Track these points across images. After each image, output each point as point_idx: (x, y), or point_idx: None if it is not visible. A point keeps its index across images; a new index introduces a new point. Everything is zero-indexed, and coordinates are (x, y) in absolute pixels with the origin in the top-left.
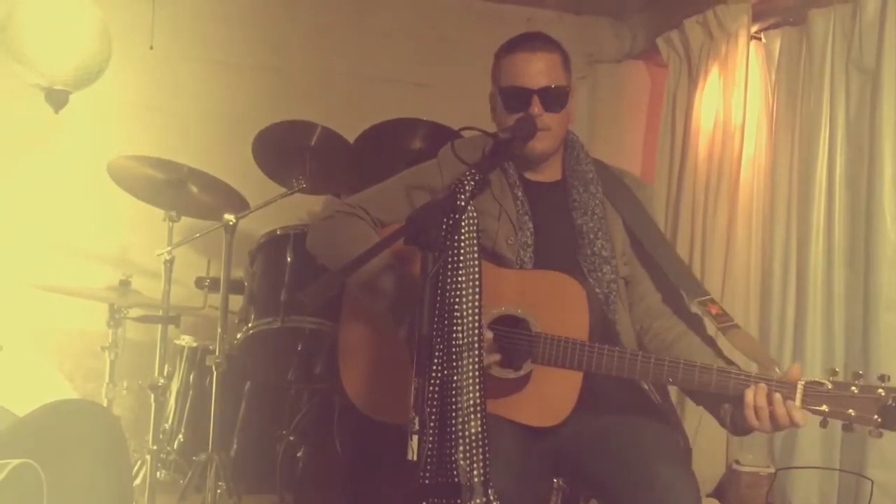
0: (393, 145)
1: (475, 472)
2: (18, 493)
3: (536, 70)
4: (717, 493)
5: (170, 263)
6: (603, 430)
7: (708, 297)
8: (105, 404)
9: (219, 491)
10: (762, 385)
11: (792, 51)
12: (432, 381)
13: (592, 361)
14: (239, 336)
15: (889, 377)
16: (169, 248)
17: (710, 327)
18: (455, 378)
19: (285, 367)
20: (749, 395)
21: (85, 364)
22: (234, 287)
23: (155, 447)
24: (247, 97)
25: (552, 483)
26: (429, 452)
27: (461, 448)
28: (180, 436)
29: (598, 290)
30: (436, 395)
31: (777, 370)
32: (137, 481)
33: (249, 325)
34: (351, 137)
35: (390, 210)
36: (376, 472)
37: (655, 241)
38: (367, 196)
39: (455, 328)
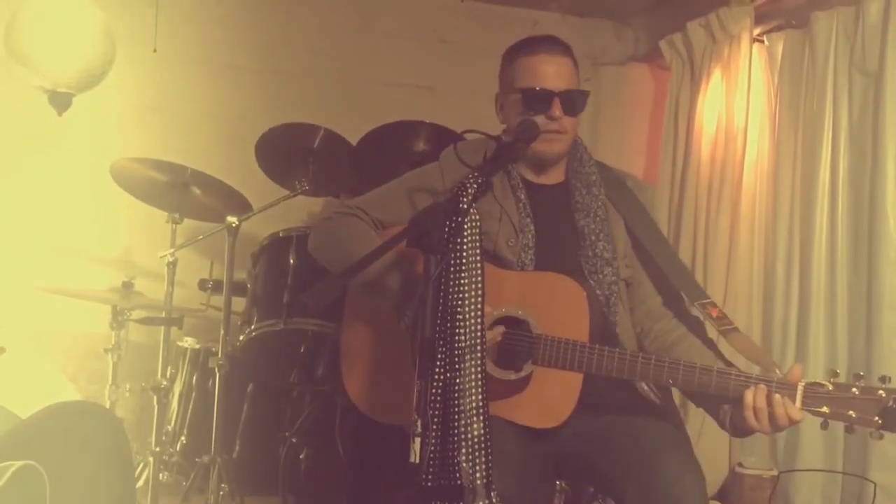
0: (395, 148)
1: (478, 475)
2: (22, 494)
3: (557, 73)
4: (721, 495)
5: (173, 265)
6: (605, 431)
7: (708, 300)
8: (108, 406)
9: (221, 493)
10: (762, 386)
11: (795, 53)
12: (435, 384)
13: (593, 363)
14: (242, 338)
15: (890, 378)
16: (172, 250)
17: (711, 330)
18: (457, 380)
19: (288, 368)
20: (749, 396)
21: (88, 366)
22: (237, 289)
23: (158, 449)
24: (250, 99)
25: (555, 485)
26: (431, 455)
27: (464, 450)
28: (183, 438)
29: (598, 291)
30: (438, 398)
31: (778, 372)
32: (140, 483)
33: (252, 326)
34: (354, 140)
35: (391, 212)
36: (379, 474)
37: (657, 244)
38: (367, 198)
39: (458, 330)
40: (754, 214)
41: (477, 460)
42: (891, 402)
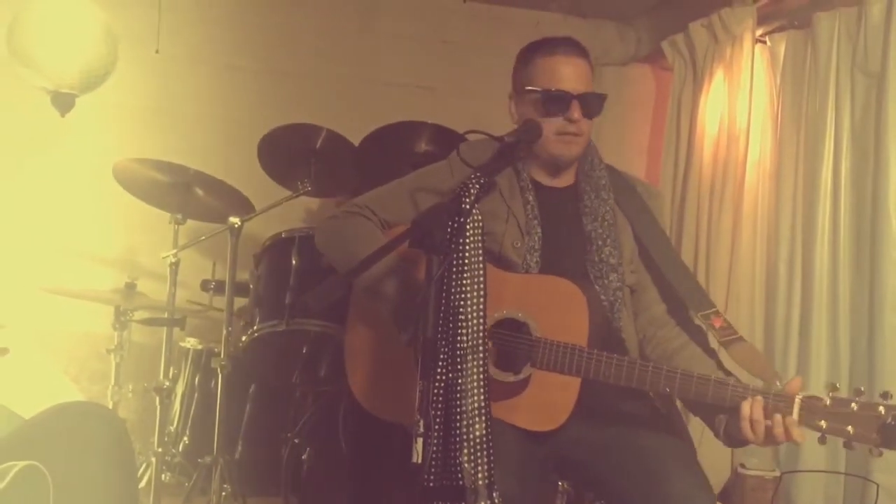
0: (398, 148)
1: (479, 476)
2: (25, 494)
3: (577, 75)
4: (723, 496)
5: (175, 266)
6: (610, 439)
7: (712, 310)
8: (110, 406)
9: (224, 493)
10: (759, 398)
11: (797, 54)
12: (437, 384)
13: (591, 368)
14: (244, 339)
15: (892, 395)
16: (174, 251)
17: (713, 340)
18: (459, 381)
19: (290, 369)
20: (745, 407)
21: (90, 366)
22: (240, 289)
23: (160, 449)
24: (252, 100)
25: (557, 486)
26: (433, 455)
27: (466, 451)
28: (185, 438)
29: (603, 297)
30: (440, 398)
31: (778, 384)
32: (142, 483)
33: (254, 327)
34: (356, 140)
35: (398, 211)
36: (381, 474)
37: (663, 251)
38: (374, 196)
39: (460, 331)
40: (756, 215)
41: (479, 461)
42: (889, 419)
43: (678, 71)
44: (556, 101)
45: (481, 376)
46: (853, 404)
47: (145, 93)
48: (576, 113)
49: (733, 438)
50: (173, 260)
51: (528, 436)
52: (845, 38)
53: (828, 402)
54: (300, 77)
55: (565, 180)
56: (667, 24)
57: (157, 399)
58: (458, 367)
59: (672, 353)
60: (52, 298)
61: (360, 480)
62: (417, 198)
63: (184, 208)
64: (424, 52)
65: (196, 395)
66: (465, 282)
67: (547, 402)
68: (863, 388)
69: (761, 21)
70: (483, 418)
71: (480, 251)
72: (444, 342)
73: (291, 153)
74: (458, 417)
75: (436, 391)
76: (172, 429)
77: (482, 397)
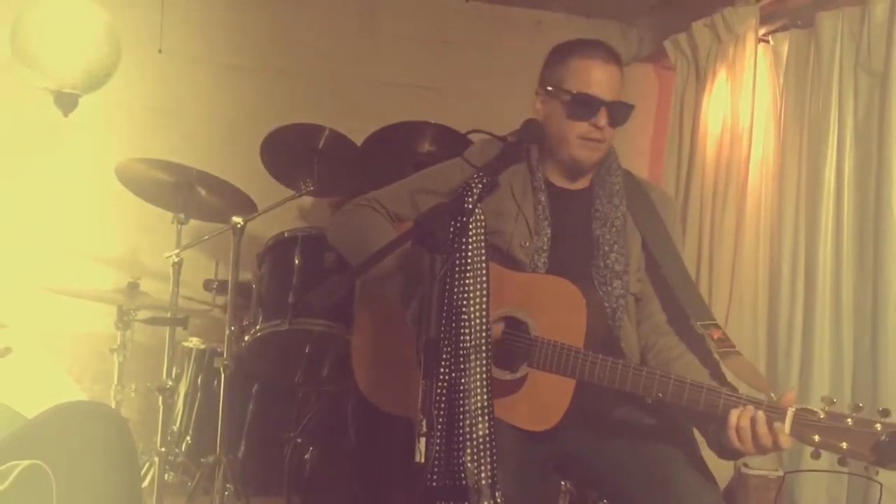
0: (400, 148)
1: (483, 475)
2: (28, 494)
3: (609, 82)
4: (726, 496)
5: (178, 266)
6: (613, 437)
7: (713, 321)
8: (113, 406)
9: (226, 493)
10: (749, 407)
11: (800, 53)
12: (440, 384)
13: (585, 370)
14: (247, 338)
15: (890, 412)
16: (177, 251)
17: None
18: (462, 380)
19: (293, 369)
20: (733, 416)
21: (93, 366)
22: (242, 289)
23: (163, 449)
24: (255, 100)
25: (560, 485)
26: (436, 455)
27: (469, 450)
28: (188, 438)
29: (605, 304)
30: (443, 398)
31: (773, 396)
32: (145, 483)
33: (257, 327)
34: (359, 140)
35: (410, 207)
36: (384, 474)
37: (670, 260)
38: (385, 191)
39: (463, 330)
40: (759, 214)
41: (482, 460)
42: (885, 437)
43: (681, 70)
44: (585, 106)
45: (484, 376)
46: (849, 419)
47: (148, 92)
48: (602, 120)
49: (726, 449)
50: (176, 259)
51: (528, 436)
52: (848, 38)
53: (822, 416)
54: (303, 77)
55: (581, 183)
56: (669, 23)
57: (160, 399)
58: (462, 366)
59: (671, 360)
60: (54, 298)
61: (368, 477)
62: (427, 196)
63: (186, 208)
64: (426, 52)
65: (199, 394)
66: (467, 281)
67: (541, 401)
68: (861, 405)
69: (764, 20)
70: (486, 418)
71: (483, 251)
72: (447, 341)
73: (294, 153)
74: (461, 417)
75: (439, 390)
76: (175, 428)
77: (485, 397)
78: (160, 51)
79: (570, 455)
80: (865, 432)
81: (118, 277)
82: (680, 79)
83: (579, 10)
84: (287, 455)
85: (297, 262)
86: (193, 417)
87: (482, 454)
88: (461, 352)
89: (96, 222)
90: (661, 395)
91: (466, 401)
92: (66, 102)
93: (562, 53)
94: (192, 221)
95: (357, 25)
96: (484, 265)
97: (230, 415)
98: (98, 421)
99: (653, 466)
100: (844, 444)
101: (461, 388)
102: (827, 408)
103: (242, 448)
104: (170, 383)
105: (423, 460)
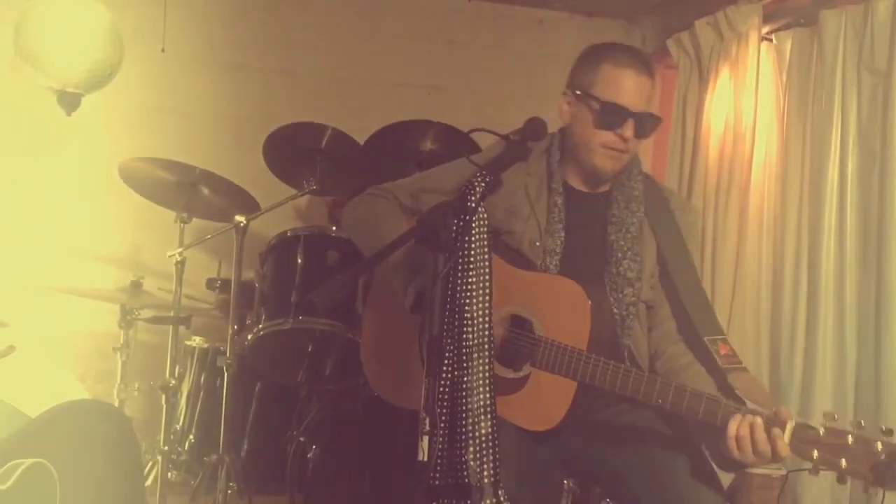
0: (403, 147)
1: (485, 473)
2: (32, 491)
3: (640, 93)
4: (729, 495)
5: (181, 265)
6: (617, 436)
7: (721, 336)
8: (116, 405)
9: (229, 491)
10: (748, 416)
11: (803, 52)
12: (443, 382)
13: (587, 372)
14: (250, 337)
15: (893, 431)
16: (180, 250)
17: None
18: (465, 379)
19: (296, 368)
20: (732, 426)
21: (96, 365)
22: (245, 288)
23: (166, 448)
24: (258, 99)
25: (562, 485)
26: (439, 453)
27: (471, 449)
28: (191, 436)
29: (615, 310)
30: (446, 396)
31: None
32: (148, 482)
33: (260, 326)
34: (361, 139)
35: (418, 204)
36: (387, 472)
37: (683, 270)
38: (397, 183)
39: (465, 329)
40: (762, 214)
41: (484, 459)
42: (884, 457)
43: (683, 69)
44: (613, 115)
45: (487, 374)
46: (849, 437)
47: (151, 92)
48: (629, 131)
49: (726, 460)
50: (179, 259)
51: (531, 435)
52: (852, 36)
53: (822, 432)
54: (305, 76)
55: (600, 187)
56: (672, 22)
57: (163, 397)
58: (464, 364)
59: (679, 370)
60: (58, 297)
61: (366, 479)
62: (435, 195)
63: (189, 207)
64: (429, 51)
65: (202, 393)
66: (470, 280)
67: (543, 401)
68: (863, 422)
69: (767, 19)
70: (489, 416)
71: (486, 249)
72: (449, 340)
73: (297, 152)
74: (463, 415)
75: (442, 389)
76: (178, 427)
77: (488, 395)
78: (163, 50)
79: (572, 454)
80: (865, 450)
81: (121, 276)
82: (682, 77)
83: (582, 9)
84: (290, 453)
85: (299, 261)
86: (196, 416)
87: (485, 452)
88: (464, 350)
89: (99, 221)
90: (660, 401)
91: (469, 399)
92: (69, 102)
93: (595, 57)
94: (195, 220)
95: (360, 25)
96: (487, 264)
97: (233, 413)
98: (101, 420)
99: (656, 466)
100: (843, 462)
101: (464, 386)
102: (828, 424)
103: (245, 447)
104: (173, 382)
105: (425, 458)
